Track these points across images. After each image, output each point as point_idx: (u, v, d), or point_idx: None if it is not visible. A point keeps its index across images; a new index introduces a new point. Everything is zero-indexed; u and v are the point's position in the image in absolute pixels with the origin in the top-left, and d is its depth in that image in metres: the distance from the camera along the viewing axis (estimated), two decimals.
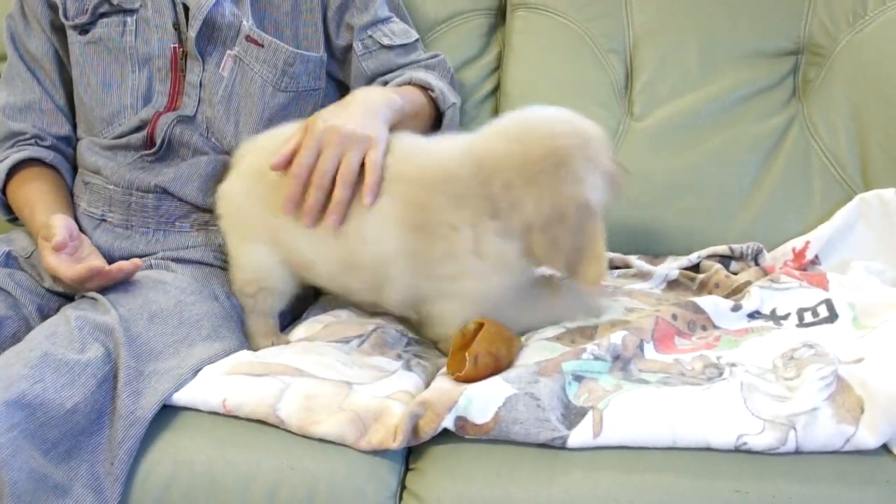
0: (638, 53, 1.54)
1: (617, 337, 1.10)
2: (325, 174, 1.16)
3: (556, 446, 0.96)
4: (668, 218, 1.46)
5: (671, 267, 1.40)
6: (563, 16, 1.56)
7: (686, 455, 0.95)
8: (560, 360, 1.05)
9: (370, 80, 1.46)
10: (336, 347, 1.17)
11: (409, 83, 1.41)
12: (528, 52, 1.57)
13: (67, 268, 1.17)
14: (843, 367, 0.99)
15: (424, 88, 1.41)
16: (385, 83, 1.43)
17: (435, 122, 1.45)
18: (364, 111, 1.22)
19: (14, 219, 1.43)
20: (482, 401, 0.98)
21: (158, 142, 1.34)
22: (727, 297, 1.27)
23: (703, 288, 1.34)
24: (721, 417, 0.96)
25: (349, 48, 1.45)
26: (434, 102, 1.42)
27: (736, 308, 1.20)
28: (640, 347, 1.11)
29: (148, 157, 1.35)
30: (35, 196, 1.36)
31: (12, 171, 1.39)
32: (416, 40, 1.51)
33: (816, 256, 1.37)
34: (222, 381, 1.06)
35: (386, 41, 1.45)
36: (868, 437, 0.93)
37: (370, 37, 1.45)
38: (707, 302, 1.20)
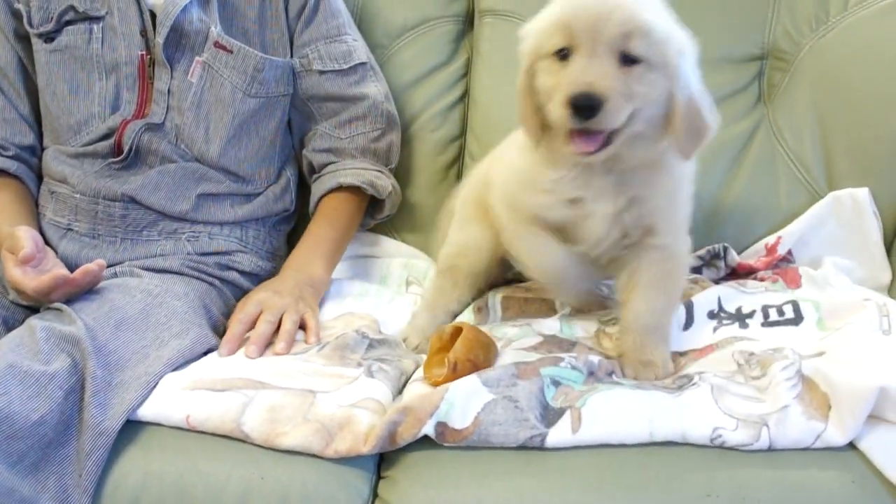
0: None
1: (594, 356, 1.11)
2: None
3: (534, 445, 0.97)
4: None
5: None
6: None
7: (660, 455, 0.96)
8: (538, 364, 1.05)
9: (302, 101, 1.47)
10: (294, 356, 1.17)
11: (340, 187, 1.44)
12: (496, 59, 1.57)
13: (31, 279, 1.16)
14: (806, 363, 1.01)
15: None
16: (314, 167, 1.49)
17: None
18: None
19: None
20: (462, 405, 0.98)
21: (126, 149, 1.33)
22: None
23: None
24: (696, 413, 0.97)
25: None
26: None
27: (688, 324, 1.22)
28: (611, 374, 1.12)
29: (115, 165, 1.34)
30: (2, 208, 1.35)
31: None
32: (357, 65, 1.48)
33: (790, 252, 1.39)
34: (184, 397, 1.04)
35: (317, 66, 1.45)
36: (836, 434, 0.94)
37: (306, 56, 1.45)
38: None
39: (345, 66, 1.46)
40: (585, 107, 0.97)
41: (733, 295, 1.26)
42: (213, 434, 1.02)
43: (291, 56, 1.45)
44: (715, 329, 1.21)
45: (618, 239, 1.14)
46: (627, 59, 0.99)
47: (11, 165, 1.39)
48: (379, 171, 1.48)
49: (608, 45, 0.98)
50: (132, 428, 1.02)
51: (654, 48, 1.00)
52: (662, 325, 1.14)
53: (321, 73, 1.46)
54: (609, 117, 0.98)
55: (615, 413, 0.98)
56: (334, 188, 1.45)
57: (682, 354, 1.18)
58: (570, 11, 1.01)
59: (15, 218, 1.32)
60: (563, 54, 1.02)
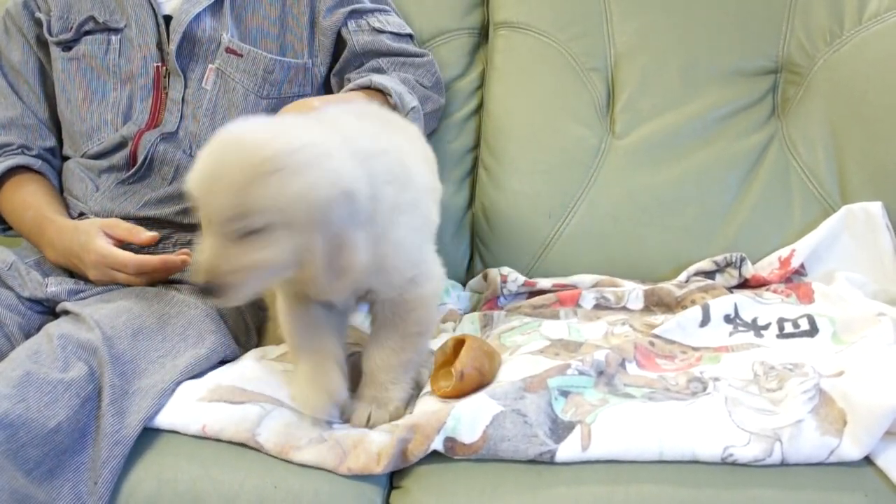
0: (619, 72, 1.56)
1: (600, 354, 1.11)
2: None
3: (544, 461, 0.97)
4: (649, 235, 1.48)
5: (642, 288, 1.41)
6: (545, 35, 1.57)
7: (670, 471, 0.95)
8: (545, 375, 1.05)
9: (358, 57, 1.46)
10: None
11: (370, 87, 1.40)
12: (511, 71, 1.58)
13: (134, 256, 1.23)
14: (825, 381, 1.01)
15: (384, 93, 1.40)
16: (349, 80, 1.44)
17: None
18: None
19: (4, 229, 1.43)
20: (470, 420, 0.98)
21: (140, 160, 1.34)
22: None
23: (677, 305, 1.35)
24: (707, 430, 0.97)
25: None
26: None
27: (704, 322, 1.22)
28: (622, 365, 1.12)
29: (129, 181, 1.35)
30: (38, 199, 1.37)
31: (2, 180, 1.39)
32: (410, 35, 1.52)
33: (802, 266, 1.39)
34: (201, 408, 1.05)
35: (377, 25, 1.47)
36: (852, 449, 0.94)
37: (363, 19, 1.47)
38: (673, 331, 1.21)
39: (401, 32, 1.50)
40: (209, 291, 0.95)
41: (750, 304, 1.26)
42: (228, 442, 1.02)
43: (309, 57, 1.45)
44: (730, 334, 1.21)
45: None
46: (244, 233, 0.94)
47: (35, 163, 1.42)
48: (412, 95, 1.44)
49: (219, 226, 0.94)
50: (146, 435, 1.03)
51: (270, 216, 0.92)
52: (397, 367, 1.10)
53: (381, 31, 1.48)
54: (230, 299, 0.95)
55: (625, 431, 0.97)
56: (365, 86, 1.39)
57: (695, 349, 1.18)
58: (191, 187, 0.96)
59: (55, 206, 1.36)
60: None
